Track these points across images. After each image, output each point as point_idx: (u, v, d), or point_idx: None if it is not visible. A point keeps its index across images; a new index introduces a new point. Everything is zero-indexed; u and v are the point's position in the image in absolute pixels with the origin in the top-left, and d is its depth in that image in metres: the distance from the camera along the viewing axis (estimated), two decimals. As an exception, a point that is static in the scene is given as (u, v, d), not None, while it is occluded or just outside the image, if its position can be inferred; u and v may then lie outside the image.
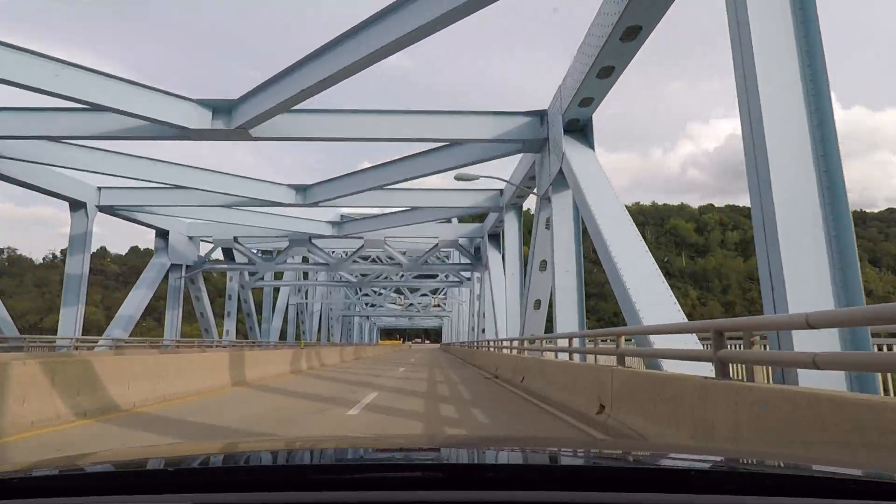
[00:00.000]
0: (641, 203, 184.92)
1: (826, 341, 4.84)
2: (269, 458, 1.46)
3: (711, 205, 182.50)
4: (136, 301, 23.87)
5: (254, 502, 1.00)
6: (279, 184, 18.89)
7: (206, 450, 1.63)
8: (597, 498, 0.99)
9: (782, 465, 1.35)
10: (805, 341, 4.79)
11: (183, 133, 12.33)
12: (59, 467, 1.21)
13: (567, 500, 0.99)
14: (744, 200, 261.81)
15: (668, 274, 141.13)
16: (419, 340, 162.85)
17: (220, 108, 12.41)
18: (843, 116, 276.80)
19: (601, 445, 2.30)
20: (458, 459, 1.41)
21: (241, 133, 12.37)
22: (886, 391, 6.38)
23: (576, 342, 10.23)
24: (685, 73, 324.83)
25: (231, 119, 12.31)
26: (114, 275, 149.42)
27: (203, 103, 12.33)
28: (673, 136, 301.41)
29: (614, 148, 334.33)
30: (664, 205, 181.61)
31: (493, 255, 26.01)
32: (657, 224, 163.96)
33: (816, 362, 3.48)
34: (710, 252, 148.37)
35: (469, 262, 30.66)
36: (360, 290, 54.50)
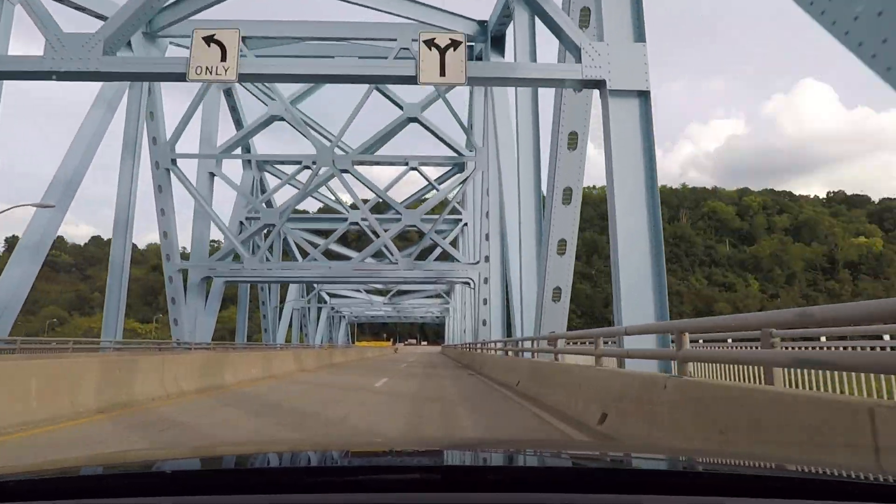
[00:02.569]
0: (669, 186, 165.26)
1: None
2: (268, 460, 1.47)
3: (746, 189, 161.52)
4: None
5: None
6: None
7: (204, 453, 1.64)
8: (598, 500, 0.99)
9: (777, 467, 1.35)
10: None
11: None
12: (55, 470, 1.24)
13: (566, 501, 0.99)
14: (781, 186, 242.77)
15: (712, 262, 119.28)
16: (412, 342, 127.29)
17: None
18: (847, 117, 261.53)
19: (600, 447, 2.54)
20: (456, 461, 1.40)
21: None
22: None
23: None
24: (685, 74, 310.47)
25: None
26: (65, 266, 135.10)
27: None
28: (673, 136, 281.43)
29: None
30: (693, 188, 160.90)
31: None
32: (692, 207, 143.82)
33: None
34: (755, 238, 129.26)
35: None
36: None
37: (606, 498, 0.99)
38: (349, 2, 17.64)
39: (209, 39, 10.06)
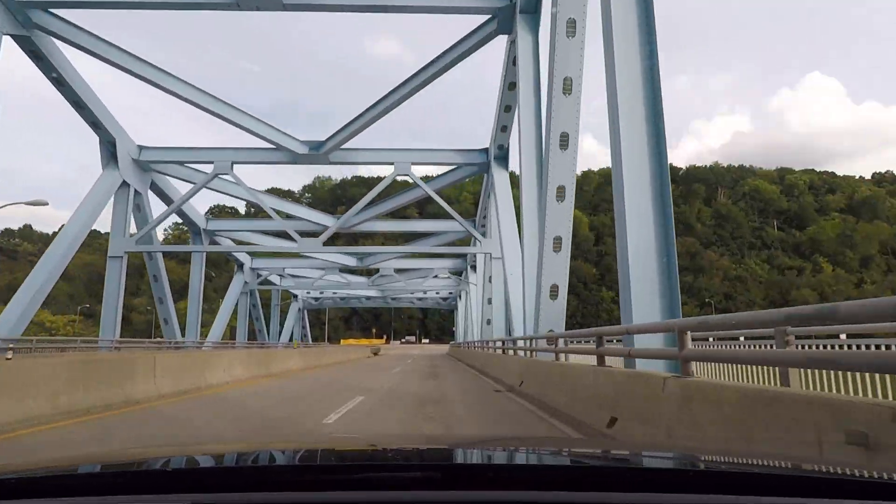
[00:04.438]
0: (697, 164, 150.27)
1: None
2: (268, 457, 1.46)
3: (788, 168, 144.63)
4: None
5: (253, 502, 0.97)
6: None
7: (204, 451, 1.60)
8: (597, 498, 0.98)
9: (778, 465, 1.33)
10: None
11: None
12: (56, 468, 1.21)
13: (566, 499, 0.97)
14: (823, 166, 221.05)
15: (763, 245, 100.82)
16: (411, 339, 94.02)
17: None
18: (855, 113, 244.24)
19: (600, 445, 2.49)
20: (456, 459, 1.39)
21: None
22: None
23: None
24: (688, 69, 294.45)
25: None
26: (25, 255, 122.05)
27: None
28: (678, 133, 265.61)
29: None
30: (729, 166, 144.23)
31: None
32: (730, 186, 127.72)
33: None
34: (804, 219, 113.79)
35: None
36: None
37: (606, 496, 0.97)
38: None
39: None
